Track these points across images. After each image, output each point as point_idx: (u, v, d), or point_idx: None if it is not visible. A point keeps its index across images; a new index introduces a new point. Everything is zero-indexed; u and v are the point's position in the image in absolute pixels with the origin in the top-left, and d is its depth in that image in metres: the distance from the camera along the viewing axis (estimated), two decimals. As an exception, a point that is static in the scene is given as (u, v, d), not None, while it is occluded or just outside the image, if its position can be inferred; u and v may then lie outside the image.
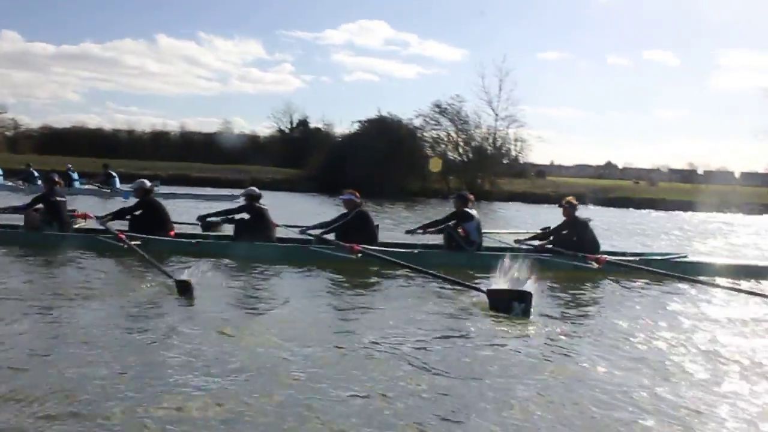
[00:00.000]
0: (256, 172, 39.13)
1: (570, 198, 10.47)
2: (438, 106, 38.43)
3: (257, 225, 10.08)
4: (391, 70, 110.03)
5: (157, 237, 9.73)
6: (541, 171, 59.45)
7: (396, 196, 29.75)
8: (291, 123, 61.54)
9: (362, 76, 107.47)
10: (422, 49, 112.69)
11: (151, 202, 10.39)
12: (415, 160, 36.55)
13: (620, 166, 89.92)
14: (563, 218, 10.22)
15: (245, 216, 10.20)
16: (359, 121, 39.57)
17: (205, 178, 37.02)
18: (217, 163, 46.53)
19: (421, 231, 10.32)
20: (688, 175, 73.77)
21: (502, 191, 36.24)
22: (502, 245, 10.42)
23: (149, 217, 10.17)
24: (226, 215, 10.30)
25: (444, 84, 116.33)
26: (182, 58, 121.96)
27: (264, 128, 71.09)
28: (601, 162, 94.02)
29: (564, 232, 10.09)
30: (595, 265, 9.23)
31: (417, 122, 38.48)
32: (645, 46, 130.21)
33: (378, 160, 32.93)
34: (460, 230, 10.07)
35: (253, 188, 10.76)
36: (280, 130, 62.18)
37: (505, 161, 41.02)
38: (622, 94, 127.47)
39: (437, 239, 10.33)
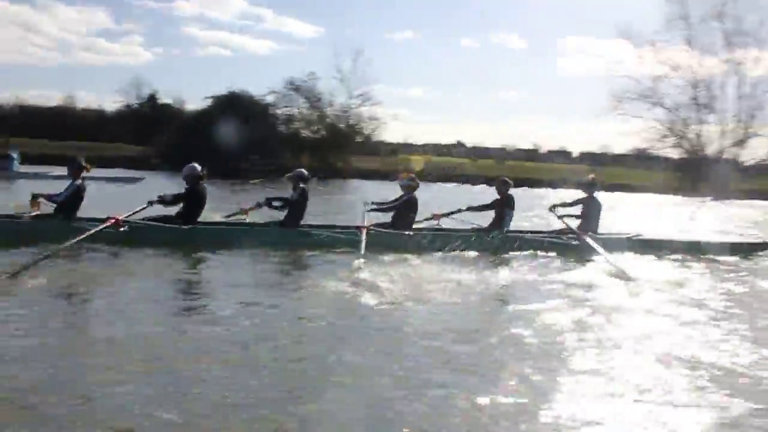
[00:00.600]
0: (100, 149, 37.42)
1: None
2: (291, 83, 38.53)
3: (304, 209, 9.95)
4: (246, 46, 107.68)
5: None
6: (393, 149, 60.83)
7: (249, 173, 29.47)
8: (140, 98, 59.16)
9: (215, 51, 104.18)
10: (277, 24, 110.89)
11: (202, 191, 9.70)
12: (268, 137, 36.42)
13: (469, 145, 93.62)
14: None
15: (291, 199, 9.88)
16: (211, 97, 38.80)
17: (49, 156, 34.72)
18: (62, 140, 43.91)
19: (464, 209, 10.69)
20: (532, 155, 78.15)
21: (354, 169, 36.94)
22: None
23: (198, 206, 9.58)
24: (283, 201, 9.86)
25: (299, 61, 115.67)
26: (16, 23, 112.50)
27: (112, 103, 67.67)
28: (452, 140, 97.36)
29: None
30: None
31: (270, 99, 38.36)
32: (493, 29, 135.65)
33: (230, 137, 32.52)
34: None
35: (302, 170, 10.38)
36: (129, 105, 59.60)
37: (358, 139, 41.76)
38: (471, 74, 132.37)
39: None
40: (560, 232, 10.48)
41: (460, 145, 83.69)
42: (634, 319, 6.12)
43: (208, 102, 38.79)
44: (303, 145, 37.77)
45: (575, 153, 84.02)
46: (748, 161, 44.18)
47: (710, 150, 44.10)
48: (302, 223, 9.88)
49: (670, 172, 44.03)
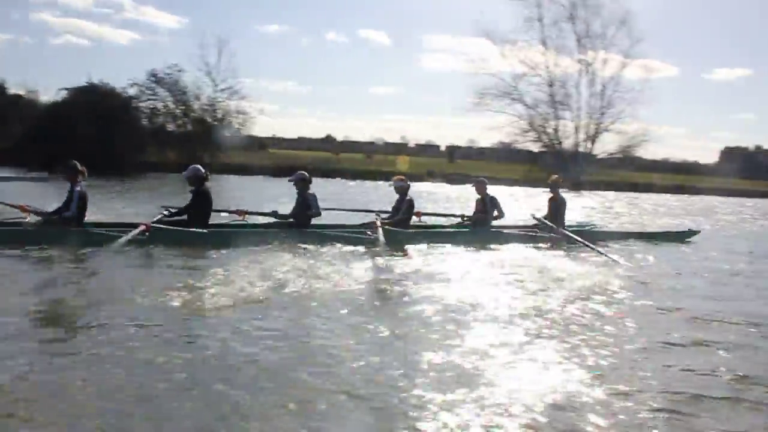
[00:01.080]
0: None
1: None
2: (154, 75, 36.90)
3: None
4: (105, 35, 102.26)
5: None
6: (262, 143, 60.01)
7: (111, 170, 27.87)
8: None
9: (71, 40, 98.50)
10: (138, 14, 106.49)
11: (209, 191, 9.83)
12: (131, 132, 34.67)
13: (339, 139, 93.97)
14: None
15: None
16: (66, 89, 36.39)
17: None
18: None
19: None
20: (401, 148, 79.64)
21: (223, 164, 36.01)
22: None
23: (209, 207, 9.77)
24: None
25: (162, 52, 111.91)
26: None
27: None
28: (321, 135, 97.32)
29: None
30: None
31: (132, 92, 36.58)
32: (360, 25, 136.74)
33: (88, 131, 30.65)
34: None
35: (304, 172, 10.70)
36: (-29, 96, 54.74)
37: (227, 133, 40.72)
38: (341, 69, 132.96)
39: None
40: (534, 227, 11.50)
41: (330, 139, 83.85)
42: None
43: (64, 93, 36.31)
44: (169, 140, 36.33)
45: (442, 147, 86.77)
46: (600, 154, 47.50)
47: (566, 144, 46.92)
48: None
49: (532, 165, 46.45)
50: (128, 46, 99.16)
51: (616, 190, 40.64)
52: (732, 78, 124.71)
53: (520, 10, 57.13)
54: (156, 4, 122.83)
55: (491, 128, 47.79)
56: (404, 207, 10.88)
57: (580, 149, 46.65)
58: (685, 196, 39.85)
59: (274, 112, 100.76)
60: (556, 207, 11.61)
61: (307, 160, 42.38)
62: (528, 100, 46.43)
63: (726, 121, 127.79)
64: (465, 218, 11.63)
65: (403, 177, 11.28)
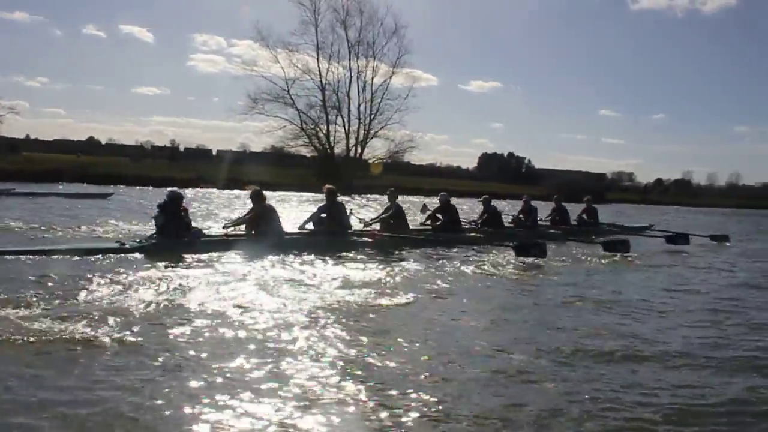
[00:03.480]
0: None
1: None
2: None
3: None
4: None
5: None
6: (14, 145, 54.39)
7: None
8: None
9: None
10: None
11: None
12: None
13: (103, 142, 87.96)
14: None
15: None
16: None
17: None
18: None
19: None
20: (171, 152, 76.28)
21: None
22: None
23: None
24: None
25: None
26: None
27: None
28: (83, 137, 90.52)
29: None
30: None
31: None
32: (121, 20, 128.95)
33: None
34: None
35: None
36: None
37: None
38: (101, 67, 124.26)
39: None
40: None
41: (94, 142, 78.24)
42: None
43: None
44: None
45: (214, 151, 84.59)
46: (371, 159, 49.34)
47: (338, 149, 48.12)
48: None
49: (306, 170, 47.02)
50: None
51: (383, 194, 42.08)
52: (485, 89, 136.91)
53: (298, 13, 57.15)
54: None
55: (263, 132, 47.20)
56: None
57: (351, 154, 48.10)
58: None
59: (25, 111, 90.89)
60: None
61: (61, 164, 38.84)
62: (301, 105, 46.84)
63: (482, 129, 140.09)
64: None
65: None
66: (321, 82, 46.77)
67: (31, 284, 6.76)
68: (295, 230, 11.25)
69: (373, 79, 48.16)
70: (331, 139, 47.52)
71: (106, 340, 4.94)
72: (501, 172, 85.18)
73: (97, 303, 6.08)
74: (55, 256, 8.57)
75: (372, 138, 48.43)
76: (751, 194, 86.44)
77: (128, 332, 5.17)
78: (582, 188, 44.16)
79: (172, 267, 8.37)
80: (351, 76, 47.92)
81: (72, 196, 23.55)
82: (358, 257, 10.39)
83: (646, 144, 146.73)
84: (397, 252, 11.12)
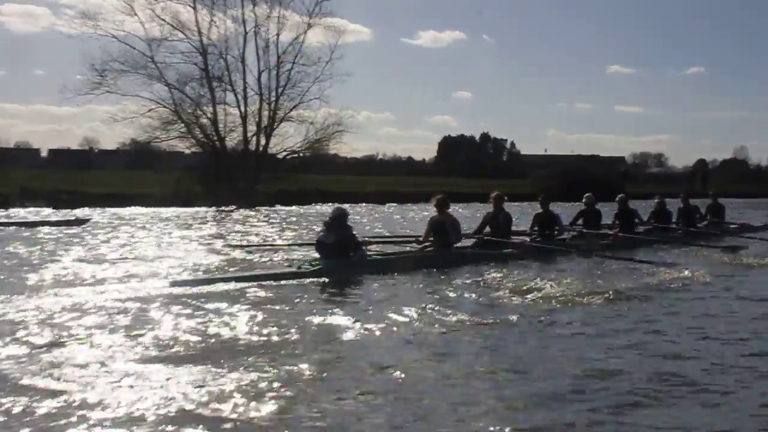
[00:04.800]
0: None
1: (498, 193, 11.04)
2: None
3: None
4: None
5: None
6: None
7: None
8: None
9: None
10: None
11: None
12: None
13: None
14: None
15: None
16: None
17: None
18: None
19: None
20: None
21: None
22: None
23: None
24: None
25: None
26: None
27: None
28: None
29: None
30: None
31: None
32: None
33: None
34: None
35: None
36: None
37: None
38: None
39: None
40: None
41: None
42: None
43: None
44: None
45: (44, 152, 69.47)
46: (279, 153, 35.94)
47: (231, 140, 34.45)
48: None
49: (184, 174, 33.05)
50: None
51: (302, 204, 30.13)
52: (442, 44, 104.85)
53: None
54: None
55: (115, 120, 32.60)
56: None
57: (252, 147, 34.52)
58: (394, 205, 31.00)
59: None
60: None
61: None
62: (171, 77, 32.67)
63: (442, 102, 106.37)
64: None
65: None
66: (201, 42, 32.76)
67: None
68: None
69: (278, 35, 34.24)
70: (221, 126, 33.43)
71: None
72: (471, 163, 66.29)
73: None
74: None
75: (281, 122, 34.95)
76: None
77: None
78: (591, 180, 33.50)
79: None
80: (246, 32, 33.89)
81: None
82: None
83: (676, 111, 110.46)
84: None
